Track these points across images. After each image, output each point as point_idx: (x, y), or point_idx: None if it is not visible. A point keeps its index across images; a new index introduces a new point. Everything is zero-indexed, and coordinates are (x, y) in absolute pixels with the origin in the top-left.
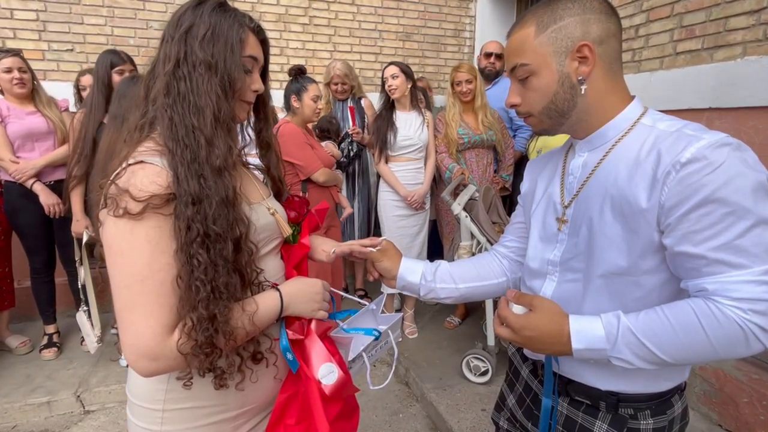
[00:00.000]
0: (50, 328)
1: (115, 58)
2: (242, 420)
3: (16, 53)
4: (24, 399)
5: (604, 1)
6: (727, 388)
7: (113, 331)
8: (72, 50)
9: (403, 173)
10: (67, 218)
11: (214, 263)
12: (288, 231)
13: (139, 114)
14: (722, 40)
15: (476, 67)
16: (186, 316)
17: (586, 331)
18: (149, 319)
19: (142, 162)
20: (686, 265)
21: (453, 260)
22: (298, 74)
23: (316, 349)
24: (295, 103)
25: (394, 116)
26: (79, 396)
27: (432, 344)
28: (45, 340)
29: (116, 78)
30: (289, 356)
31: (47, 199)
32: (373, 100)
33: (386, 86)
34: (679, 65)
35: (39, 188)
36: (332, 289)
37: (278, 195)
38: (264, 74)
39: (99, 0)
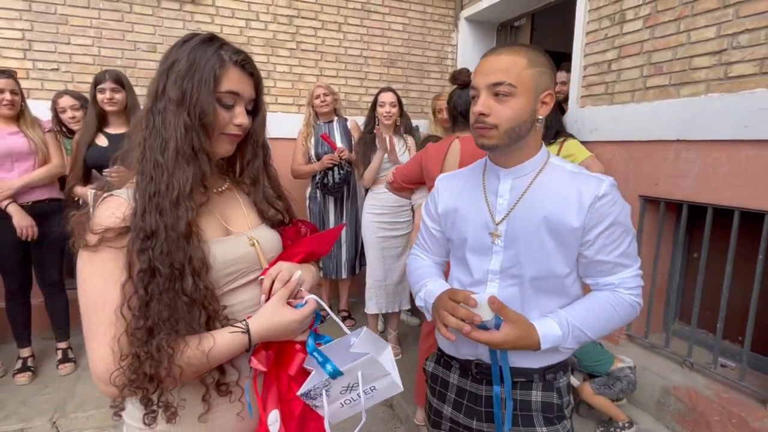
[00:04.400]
0: (25, 352)
1: (99, 76)
2: None
3: (11, 75)
4: None
5: None
6: (700, 407)
7: None
8: (57, 69)
9: (387, 195)
10: (45, 239)
11: (158, 298)
12: (266, 264)
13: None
14: (687, 78)
15: None
16: (126, 348)
17: (548, 335)
18: (101, 348)
19: (111, 195)
20: (599, 268)
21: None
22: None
23: (273, 391)
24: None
25: (377, 140)
26: (54, 422)
27: (416, 365)
28: (19, 364)
29: (99, 96)
30: (247, 398)
31: (21, 221)
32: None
33: (382, 111)
34: (648, 99)
35: (13, 209)
36: (325, 307)
37: (280, 225)
38: (256, 109)
39: (87, 21)
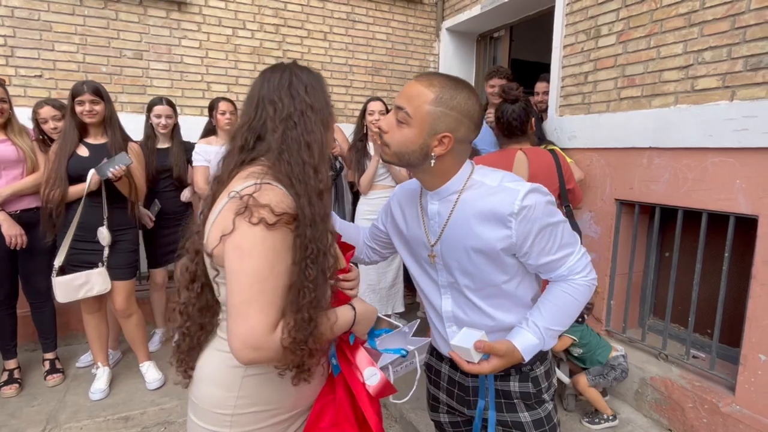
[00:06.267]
0: (11, 364)
1: (77, 87)
2: (291, 422)
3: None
4: None
5: (481, 118)
6: (675, 395)
7: (78, 364)
8: (41, 76)
9: (380, 201)
10: (33, 248)
11: (318, 276)
12: (344, 262)
13: (237, 158)
14: (658, 90)
15: None
16: (290, 317)
17: (528, 348)
18: (261, 315)
19: (269, 183)
20: (548, 266)
21: None
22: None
23: (360, 356)
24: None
25: (368, 147)
26: None
27: None
28: (5, 377)
29: (78, 108)
30: (334, 361)
31: (9, 229)
32: (344, 129)
33: (371, 119)
34: (623, 109)
35: (1, 218)
36: (381, 315)
37: None
38: None
39: (71, 28)
